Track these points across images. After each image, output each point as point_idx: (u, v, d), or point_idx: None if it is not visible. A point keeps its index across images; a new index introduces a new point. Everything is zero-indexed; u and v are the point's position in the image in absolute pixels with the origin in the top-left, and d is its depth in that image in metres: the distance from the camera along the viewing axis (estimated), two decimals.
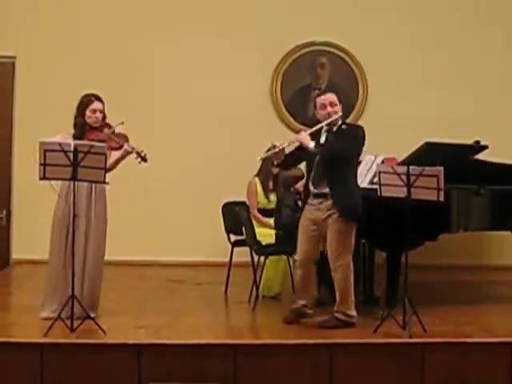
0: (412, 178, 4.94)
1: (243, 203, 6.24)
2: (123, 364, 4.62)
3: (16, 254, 7.51)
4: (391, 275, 5.44)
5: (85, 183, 5.09)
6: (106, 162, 4.85)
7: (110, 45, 7.45)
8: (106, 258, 5.31)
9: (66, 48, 7.48)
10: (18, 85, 7.53)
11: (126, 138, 5.24)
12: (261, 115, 7.57)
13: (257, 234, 5.84)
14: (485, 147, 5.95)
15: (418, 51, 7.70)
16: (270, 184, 6.29)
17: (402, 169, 5.01)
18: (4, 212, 7.52)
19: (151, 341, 4.74)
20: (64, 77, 7.37)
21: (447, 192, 5.05)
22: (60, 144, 4.83)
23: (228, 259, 6.25)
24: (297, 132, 5.22)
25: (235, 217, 6.10)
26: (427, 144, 5.67)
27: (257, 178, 6.30)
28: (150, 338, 4.78)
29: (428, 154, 5.54)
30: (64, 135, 5.18)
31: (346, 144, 5.07)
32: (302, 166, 5.58)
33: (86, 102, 5.26)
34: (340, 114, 5.15)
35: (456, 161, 5.50)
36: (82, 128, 5.24)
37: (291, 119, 7.60)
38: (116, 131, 5.24)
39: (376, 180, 5.25)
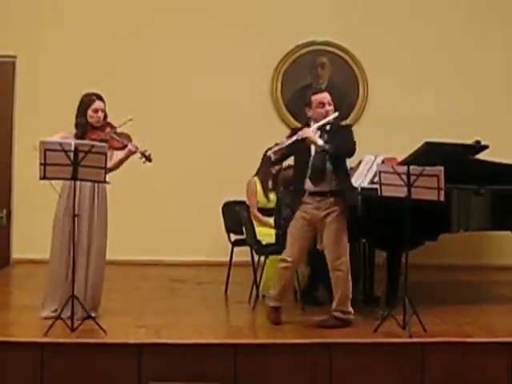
0: (412, 178, 4.94)
1: (243, 203, 6.24)
2: (124, 363, 4.62)
3: (16, 253, 7.52)
4: (391, 275, 5.44)
5: (87, 183, 5.10)
6: (106, 162, 4.85)
7: (110, 45, 7.46)
8: (108, 257, 5.31)
9: (66, 48, 7.49)
10: (18, 84, 7.54)
11: (128, 138, 5.23)
12: (261, 115, 7.57)
13: (257, 233, 5.85)
14: (485, 147, 5.95)
15: (418, 51, 7.70)
16: (270, 183, 6.29)
17: (403, 168, 5.01)
18: (4, 211, 7.52)
19: (152, 340, 4.74)
20: (64, 76, 7.38)
21: (447, 192, 5.05)
22: (60, 143, 4.84)
23: (228, 259, 6.26)
24: (299, 129, 5.18)
25: (235, 216, 6.10)
26: (427, 144, 5.66)
27: (256, 178, 6.29)
28: (150, 338, 4.79)
29: (428, 153, 5.53)
30: (64, 134, 5.18)
31: (353, 142, 5.10)
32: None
33: (87, 101, 5.26)
34: (337, 113, 5.14)
35: (456, 161, 5.49)
36: (83, 128, 5.23)
37: (291, 119, 7.59)
38: (119, 130, 5.23)
39: (376, 180, 5.26)
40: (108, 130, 5.23)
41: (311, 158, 5.09)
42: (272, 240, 5.80)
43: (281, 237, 5.71)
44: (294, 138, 5.02)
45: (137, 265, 7.30)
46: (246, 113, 7.52)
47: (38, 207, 6.84)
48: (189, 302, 5.92)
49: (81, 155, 4.80)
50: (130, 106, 7.05)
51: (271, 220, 6.00)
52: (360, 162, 6.08)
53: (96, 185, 5.16)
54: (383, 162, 5.89)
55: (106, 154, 4.85)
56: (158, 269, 7.23)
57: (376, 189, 5.20)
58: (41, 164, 4.81)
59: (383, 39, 7.65)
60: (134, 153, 5.17)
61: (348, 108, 7.65)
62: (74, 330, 4.81)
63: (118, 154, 5.25)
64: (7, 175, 7.49)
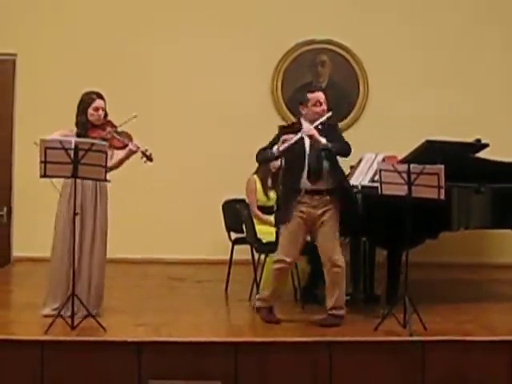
0: (413, 176, 4.95)
1: (244, 201, 6.25)
2: (123, 362, 4.62)
3: (16, 251, 7.53)
4: (392, 273, 5.44)
5: (89, 183, 5.10)
6: (106, 160, 4.85)
7: (111, 44, 7.46)
8: (108, 256, 5.31)
9: (66, 46, 7.49)
10: (18, 82, 7.55)
11: (129, 137, 5.22)
12: (261, 114, 7.57)
13: (257, 231, 5.85)
14: (486, 145, 5.94)
15: (418, 51, 7.71)
16: (269, 181, 6.29)
17: (403, 167, 5.01)
18: (5, 209, 7.52)
19: (151, 338, 4.74)
20: (65, 75, 7.38)
21: (448, 190, 5.06)
22: (61, 141, 4.84)
23: (228, 257, 6.26)
24: (289, 127, 5.19)
25: (236, 215, 6.10)
26: (428, 142, 5.67)
27: (256, 176, 6.29)
28: (150, 336, 4.78)
29: (429, 152, 5.53)
30: (64, 132, 5.18)
31: (347, 141, 5.14)
32: None
33: (87, 100, 5.26)
34: (330, 113, 5.13)
35: (457, 159, 5.49)
36: (84, 126, 5.23)
37: (292, 117, 7.57)
38: (120, 129, 5.23)
39: (377, 178, 5.26)
40: (109, 128, 5.23)
41: (307, 157, 5.08)
42: (272, 238, 5.78)
43: None
44: (300, 135, 5.00)
45: (137, 263, 7.32)
46: (246, 113, 7.52)
47: (38, 205, 6.85)
48: (189, 301, 5.92)
49: (81, 153, 4.79)
50: (130, 106, 6.96)
51: (271, 218, 6.00)
52: (360, 160, 6.09)
53: (98, 184, 5.16)
54: (384, 160, 5.89)
55: (106, 152, 4.85)
56: (159, 267, 7.24)
57: (376, 187, 5.21)
58: (41, 162, 4.80)
59: (383, 39, 7.66)
60: (135, 152, 5.17)
61: (348, 107, 7.67)
62: (74, 328, 4.81)
63: (119, 154, 5.25)
64: (7, 173, 7.49)
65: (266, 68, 7.66)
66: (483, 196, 5.68)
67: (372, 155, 6.02)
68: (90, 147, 4.81)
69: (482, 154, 6.03)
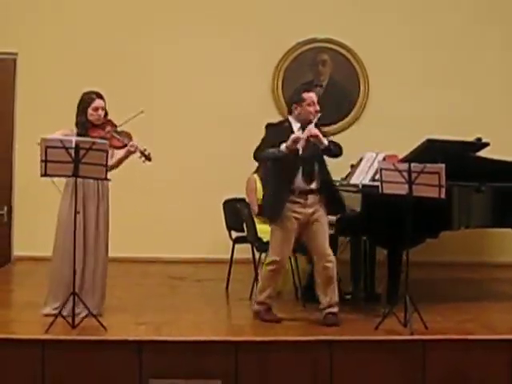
0: (413, 175, 4.95)
1: (244, 200, 6.24)
2: (124, 361, 4.62)
3: (17, 250, 7.53)
4: (392, 272, 5.42)
5: (91, 183, 5.10)
6: (107, 159, 4.85)
7: (111, 44, 7.47)
8: (110, 255, 5.31)
9: (67, 45, 7.50)
10: (19, 81, 7.56)
11: (129, 137, 5.22)
12: (262, 113, 7.51)
13: (258, 230, 5.84)
14: (486, 144, 5.94)
15: (418, 51, 7.72)
16: None
17: (404, 166, 5.01)
18: (5, 208, 7.52)
19: (152, 337, 4.73)
20: (65, 74, 7.39)
21: (448, 189, 5.05)
22: (61, 140, 4.83)
23: (229, 256, 6.26)
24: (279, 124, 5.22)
25: (236, 214, 6.11)
26: (429, 141, 5.67)
27: (256, 175, 6.28)
28: (150, 335, 4.78)
29: (429, 151, 5.53)
30: (65, 131, 5.17)
31: None
32: None
33: (87, 100, 5.25)
34: (320, 114, 5.15)
35: (457, 158, 5.49)
36: (84, 126, 5.23)
37: None
38: (120, 129, 5.22)
39: (377, 177, 5.26)
40: (108, 128, 5.22)
41: (301, 157, 5.06)
42: None
43: None
44: (306, 134, 5.00)
45: (138, 262, 7.32)
46: (247, 113, 7.51)
47: (38, 204, 6.85)
48: (189, 300, 5.93)
49: (82, 152, 4.79)
50: (130, 106, 7.00)
51: None
52: (361, 160, 6.09)
53: (99, 183, 5.16)
54: (384, 159, 5.89)
55: (107, 152, 4.84)
56: (159, 266, 7.25)
57: (377, 186, 5.21)
58: (42, 161, 4.79)
59: (383, 39, 7.67)
60: (134, 152, 5.17)
61: (349, 106, 7.68)
62: (74, 327, 4.81)
63: (118, 153, 5.25)
64: (8, 172, 7.50)
65: (267, 67, 7.66)
66: (484, 195, 5.68)
67: (373, 154, 6.02)
68: (91, 146, 4.80)
69: (482, 154, 6.03)
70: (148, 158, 5.16)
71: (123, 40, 7.50)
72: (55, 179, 5.01)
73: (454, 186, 5.45)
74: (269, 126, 5.28)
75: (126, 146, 5.17)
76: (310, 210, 5.11)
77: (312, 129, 5.01)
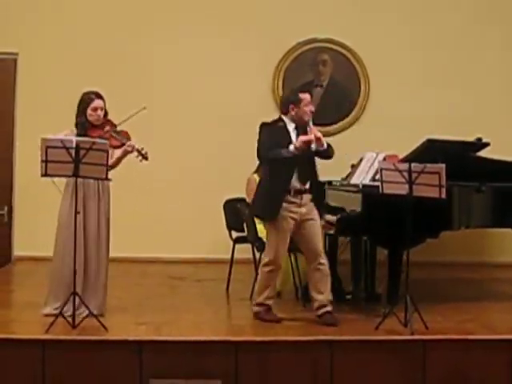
0: (414, 175, 4.95)
1: (244, 200, 6.24)
2: (124, 361, 4.62)
3: (17, 250, 7.53)
4: (393, 272, 5.42)
5: (92, 183, 5.10)
6: (107, 159, 4.85)
7: (111, 44, 7.47)
8: (110, 255, 5.31)
9: (67, 45, 7.51)
10: (19, 81, 7.56)
11: (127, 136, 5.23)
12: (262, 113, 7.46)
13: (258, 230, 5.84)
14: (486, 144, 5.93)
15: (418, 51, 7.72)
16: None
17: (404, 166, 5.01)
18: (5, 208, 7.52)
19: (152, 337, 4.74)
20: (65, 74, 7.39)
21: (449, 189, 5.05)
22: (62, 140, 4.83)
23: (229, 256, 6.26)
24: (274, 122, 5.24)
25: (236, 214, 6.12)
26: (429, 141, 5.66)
27: (256, 175, 6.27)
28: (150, 335, 4.78)
29: (430, 150, 5.53)
30: (67, 132, 5.17)
31: None
32: None
33: (86, 100, 5.25)
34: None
35: (458, 158, 5.49)
36: (83, 126, 5.23)
37: None
38: (120, 128, 5.23)
39: (378, 177, 5.26)
40: (107, 127, 5.23)
41: (296, 158, 5.06)
42: None
43: None
44: (313, 135, 5.00)
45: (138, 262, 7.32)
46: (247, 113, 7.49)
47: (39, 204, 6.85)
48: (189, 300, 5.93)
49: (82, 152, 4.79)
50: (130, 106, 7.02)
51: None
52: (361, 160, 6.09)
53: (100, 183, 5.16)
54: (385, 159, 5.89)
55: (107, 151, 4.84)
56: (159, 266, 7.25)
57: (377, 186, 5.21)
58: (42, 161, 4.79)
59: (384, 39, 7.67)
60: (131, 152, 5.17)
61: (349, 106, 7.68)
62: (75, 327, 4.81)
63: (116, 153, 5.25)
64: (8, 172, 7.50)
65: (267, 67, 7.66)
66: (484, 195, 5.67)
67: (373, 154, 6.02)
68: (91, 146, 4.80)
69: (482, 154, 6.03)
70: (145, 157, 5.16)
71: (123, 40, 7.50)
72: (55, 179, 5.01)
73: (455, 186, 5.45)
74: (264, 126, 5.27)
75: (123, 145, 5.18)
76: (304, 210, 5.13)
77: (315, 131, 5.03)
